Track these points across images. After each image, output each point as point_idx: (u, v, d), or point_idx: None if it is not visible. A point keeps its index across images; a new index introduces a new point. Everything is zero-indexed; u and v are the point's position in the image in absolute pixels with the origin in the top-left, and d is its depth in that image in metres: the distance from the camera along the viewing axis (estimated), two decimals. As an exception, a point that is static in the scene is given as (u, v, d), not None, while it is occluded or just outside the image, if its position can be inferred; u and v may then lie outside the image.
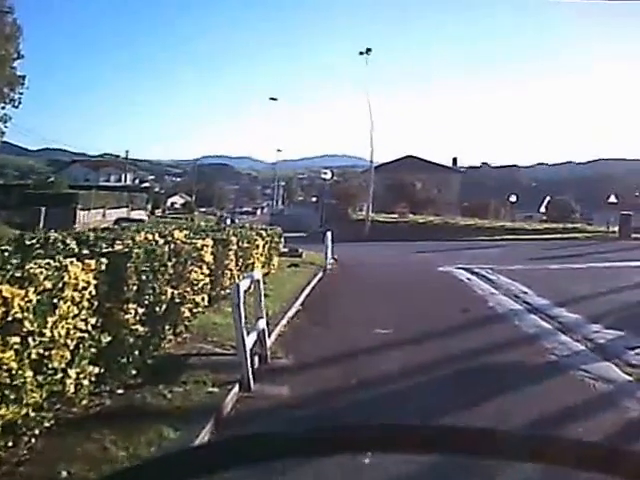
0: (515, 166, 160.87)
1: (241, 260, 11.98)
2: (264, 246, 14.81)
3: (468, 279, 16.55)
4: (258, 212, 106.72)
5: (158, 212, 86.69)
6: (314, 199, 62.47)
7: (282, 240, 20.55)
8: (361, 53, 38.81)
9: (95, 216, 47.36)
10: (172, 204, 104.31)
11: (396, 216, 40.03)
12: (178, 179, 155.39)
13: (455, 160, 73.76)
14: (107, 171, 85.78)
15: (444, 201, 59.68)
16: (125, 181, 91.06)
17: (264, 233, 15.48)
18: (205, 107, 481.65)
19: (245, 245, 12.38)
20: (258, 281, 7.79)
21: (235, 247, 11.26)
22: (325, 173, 49.90)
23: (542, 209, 73.04)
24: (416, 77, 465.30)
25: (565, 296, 12.77)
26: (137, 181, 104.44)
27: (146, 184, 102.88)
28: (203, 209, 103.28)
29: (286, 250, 22.09)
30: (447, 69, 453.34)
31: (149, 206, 62.79)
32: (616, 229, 35.21)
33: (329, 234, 19.71)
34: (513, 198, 57.64)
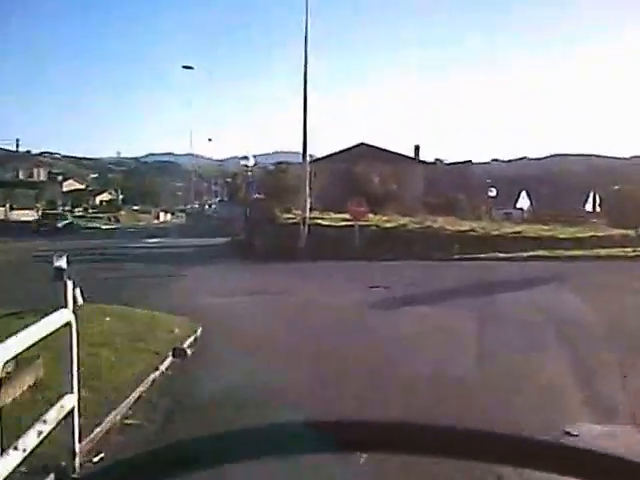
0: (469, 162, 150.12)
1: None
2: None
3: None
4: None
5: (79, 211, 72.08)
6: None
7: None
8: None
9: None
10: (101, 202, 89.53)
11: (348, 217, 26.47)
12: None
13: (417, 149, 59.65)
14: (14, 166, 70.06)
15: (406, 197, 46.58)
16: (38, 177, 75.91)
17: None
18: (149, 103, 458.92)
19: None
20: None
21: None
22: (246, 159, 35.23)
23: (520, 205, 60.26)
24: (364, 70, 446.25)
25: None
26: (60, 178, 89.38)
27: (59, 179, 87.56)
28: (136, 207, 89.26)
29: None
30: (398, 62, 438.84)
31: (40, 204, 47.58)
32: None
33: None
34: (492, 192, 44.71)
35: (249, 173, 34.27)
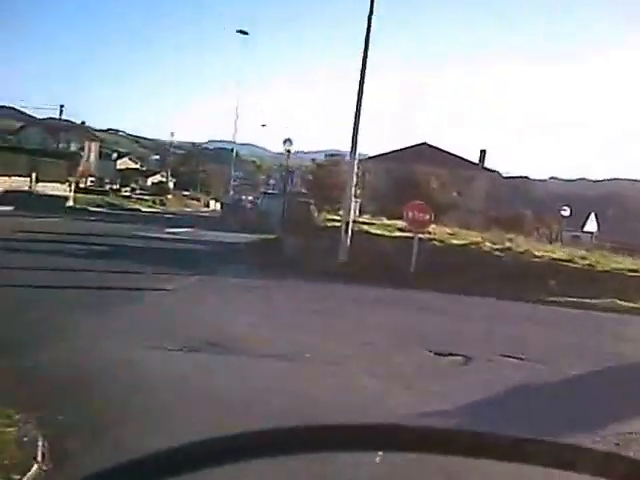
0: (526, 177, 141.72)
1: None
2: None
3: None
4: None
5: (126, 190, 68.08)
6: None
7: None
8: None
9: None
10: (152, 184, 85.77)
11: (404, 225, 20.83)
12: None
13: (483, 154, 52.83)
14: (66, 137, 66.27)
15: (467, 207, 40.73)
16: (89, 151, 72.39)
17: None
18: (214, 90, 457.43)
19: None
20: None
21: None
22: (289, 142, 29.25)
23: (588, 228, 53.34)
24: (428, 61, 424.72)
25: None
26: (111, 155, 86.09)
27: (114, 156, 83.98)
28: (186, 192, 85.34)
29: None
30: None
31: (72, 178, 43.08)
32: None
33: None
34: (566, 212, 38.28)
35: (288, 157, 28.67)
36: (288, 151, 26.87)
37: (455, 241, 17.51)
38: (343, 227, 17.01)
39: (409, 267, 15.57)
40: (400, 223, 23.33)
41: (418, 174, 40.33)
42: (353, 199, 30.13)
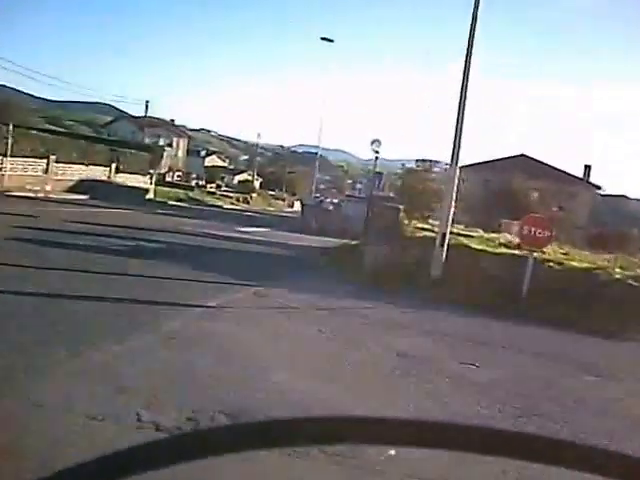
0: (624, 196, 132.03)
1: None
2: None
3: None
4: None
5: (211, 186, 66.83)
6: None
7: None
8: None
9: (20, 167, 27.01)
10: (239, 182, 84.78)
11: (515, 242, 17.27)
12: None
13: (588, 170, 48.04)
14: (155, 132, 65.78)
15: (569, 224, 36.38)
16: (177, 147, 71.96)
17: None
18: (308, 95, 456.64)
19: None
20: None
21: None
22: (377, 142, 25.90)
23: None
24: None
25: None
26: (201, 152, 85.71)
27: (203, 153, 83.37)
28: (272, 192, 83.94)
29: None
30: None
31: (154, 171, 41.62)
32: None
33: None
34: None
35: (376, 159, 25.54)
36: (376, 152, 23.95)
37: (575, 264, 13.97)
38: (438, 238, 13.86)
39: (519, 292, 12.27)
40: (497, 236, 19.98)
41: (515, 186, 36.59)
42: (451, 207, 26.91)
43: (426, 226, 20.80)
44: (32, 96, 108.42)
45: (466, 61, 14.06)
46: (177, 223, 22.18)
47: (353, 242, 20.83)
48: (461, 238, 16.25)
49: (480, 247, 15.41)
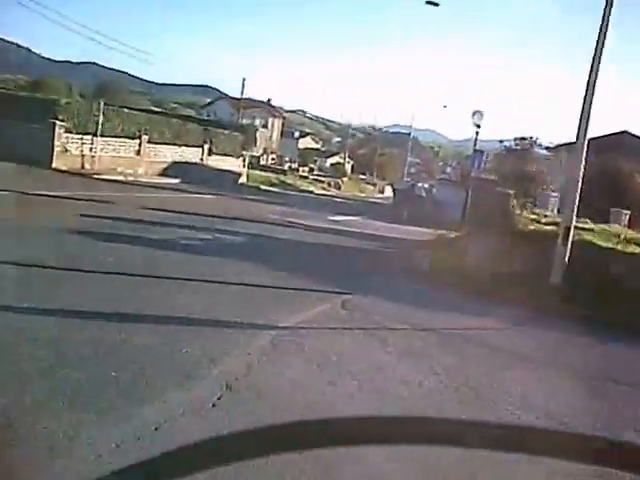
0: None
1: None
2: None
3: None
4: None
5: (304, 170, 65.55)
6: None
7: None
8: None
9: (111, 148, 26.38)
10: (331, 165, 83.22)
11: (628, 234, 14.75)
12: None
13: None
14: (251, 113, 65.15)
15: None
16: (272, 129, 71.11)
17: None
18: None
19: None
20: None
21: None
22: (479, 113, 22.86)
23: None
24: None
25: None
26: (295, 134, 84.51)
27: (297, 134, 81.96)
28: (363, 176, 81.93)
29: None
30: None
31: (247, 153, 40.52)
32: None
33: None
34: None
35: (477, 135, 22.69)
36: (477, 125, 21.22)
37: None
38: (561, 233, 11.53)
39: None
40: (619, 229, 17.37)
41: (619, 167, 32.77)
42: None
43: (532, 216, 18.41)
44: (139, 78, 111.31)
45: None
46: (265, 211, 20.79)
47: (451, 234, 18.70)
48: (583, 233, 13.81)
49: (606, 244, 12.95)
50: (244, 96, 60.43)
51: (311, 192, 45.95)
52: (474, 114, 21.75)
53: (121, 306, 6.39)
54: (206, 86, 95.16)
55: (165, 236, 11.52)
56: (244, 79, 56.74)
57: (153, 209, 15.36)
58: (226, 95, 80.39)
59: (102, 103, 25.41)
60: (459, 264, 13.16)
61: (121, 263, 8.39)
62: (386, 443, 0.74)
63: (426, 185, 37.73)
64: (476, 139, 22.09)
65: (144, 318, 6.15)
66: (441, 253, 15.19)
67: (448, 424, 0.74)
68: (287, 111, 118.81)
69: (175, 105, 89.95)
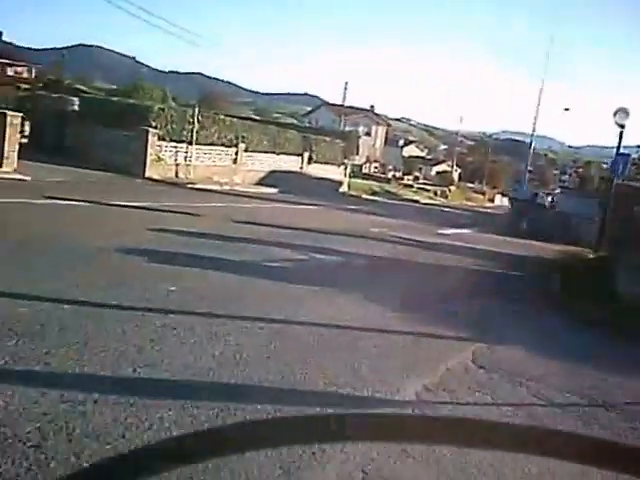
0: None
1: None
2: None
3: None
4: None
5: (409, 179, 62.96)
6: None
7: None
8: None
9: (206, 156, 25.30)
10: (437, 173, 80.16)
11: None
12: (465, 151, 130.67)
13: None
14: (354, 120, 63.41)
15: None
16: (376, 136, 69.16)
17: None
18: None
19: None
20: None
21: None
22: (624, 112, 19.39)
23: None
24: None
25: None
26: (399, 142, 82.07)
27: (401, 142, 79.49)
28: (471, 185, 78.45)
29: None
30: None
31: (349, 161, 38.62)
32: None
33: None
34: None
35: (621, 136, 19.27)
36: (621, 126, 18.03)
37: None
38: None
39: None
40: None
41: None
42: None
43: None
44: (243, 88, 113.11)
45: None
46: (367, 223, 18.78)
47: (588, 253, 15.87)
48: None
49: None
50: (346, 103, 58.88)
51: (416, 201, 43.62)
52: (616, 113, 18.60)
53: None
54: (306, 94, 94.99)
55: (249, 257, 9.68)
56: (346, 83, 55.15)
57: (243, 222, 13.72)
58: (327, 102, 79.35)
59: (197, 109, 24.37)
60: (608, 292, 10.54)
61: (183, 296, 6.58)
62: None
63: (548, 194, 34.28)
64: (620, 140, 18.91)
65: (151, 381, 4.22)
66: (580, 277, 12.49)
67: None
68: (391, 119, 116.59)
69: (278, 115, 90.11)
